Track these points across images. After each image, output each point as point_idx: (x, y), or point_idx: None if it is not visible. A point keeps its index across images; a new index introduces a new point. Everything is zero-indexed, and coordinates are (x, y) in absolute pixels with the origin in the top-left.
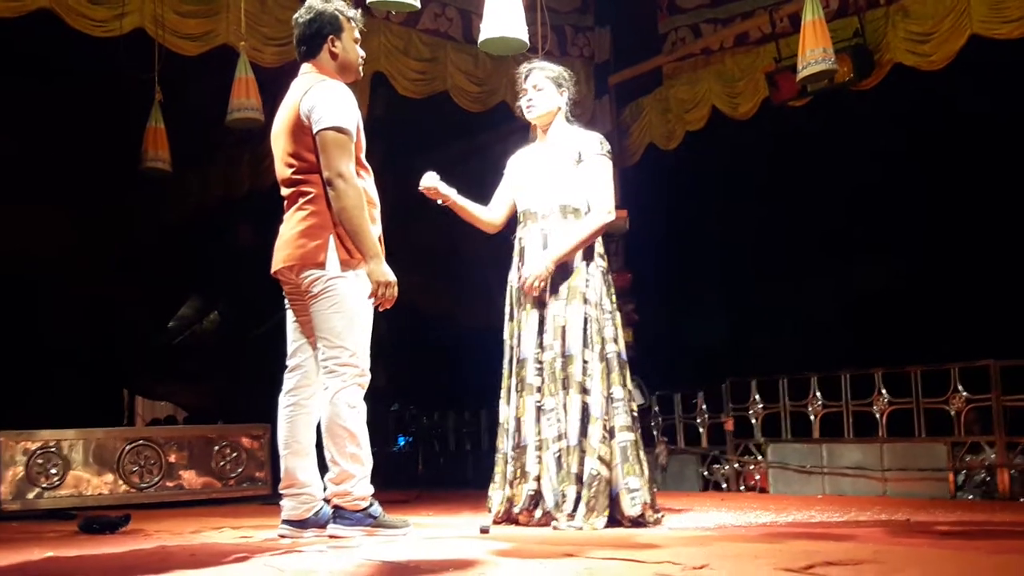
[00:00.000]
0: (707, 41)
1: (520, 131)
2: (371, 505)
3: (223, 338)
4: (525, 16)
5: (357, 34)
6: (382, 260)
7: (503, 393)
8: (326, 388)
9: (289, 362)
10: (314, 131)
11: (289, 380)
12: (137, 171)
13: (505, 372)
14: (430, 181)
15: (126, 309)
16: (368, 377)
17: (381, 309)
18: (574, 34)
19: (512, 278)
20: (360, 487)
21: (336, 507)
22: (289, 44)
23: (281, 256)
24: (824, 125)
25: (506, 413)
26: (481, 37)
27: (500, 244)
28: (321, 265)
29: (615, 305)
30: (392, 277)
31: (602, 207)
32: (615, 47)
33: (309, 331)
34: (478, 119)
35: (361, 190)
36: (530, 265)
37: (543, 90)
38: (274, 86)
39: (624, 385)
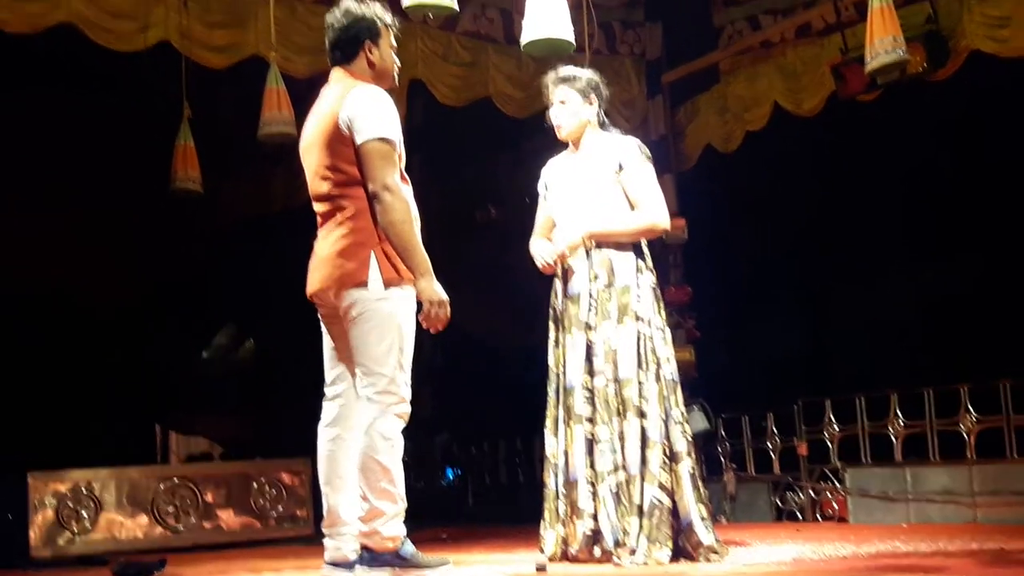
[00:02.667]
0: (766, 33)
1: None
2: (402, 545)
3: (260, 367)
4: (570, 14)
5: (394, 41)
6: (433, 277)
7: (549, 424)
8: (363, 416)
9: (328, 391)
10: (357, 142)
11: (328, 410)
12: (167, 191)
13: (551, 402)
14: (551, 255)
15: (158, 339)
16: (408, 407)
17: (432, 331)
18: (623, 31)
19: (556, 303)
20: (390, 527)
21: (364, 547)
22: (322, 53)
23: (318, 277)
24: (896, 119)
25: (553, 446)
26: (524, 38)
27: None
28: (362, 285)
29: (667, 323)
30: (444, 296)
31: (653, 210)
32: (667, 43)
33: (348, 357)
34: (523, 125)
35: (408, 203)
36: (561, 235)
37: (568, 103)
38: (307, 97)
39: (679, 407)
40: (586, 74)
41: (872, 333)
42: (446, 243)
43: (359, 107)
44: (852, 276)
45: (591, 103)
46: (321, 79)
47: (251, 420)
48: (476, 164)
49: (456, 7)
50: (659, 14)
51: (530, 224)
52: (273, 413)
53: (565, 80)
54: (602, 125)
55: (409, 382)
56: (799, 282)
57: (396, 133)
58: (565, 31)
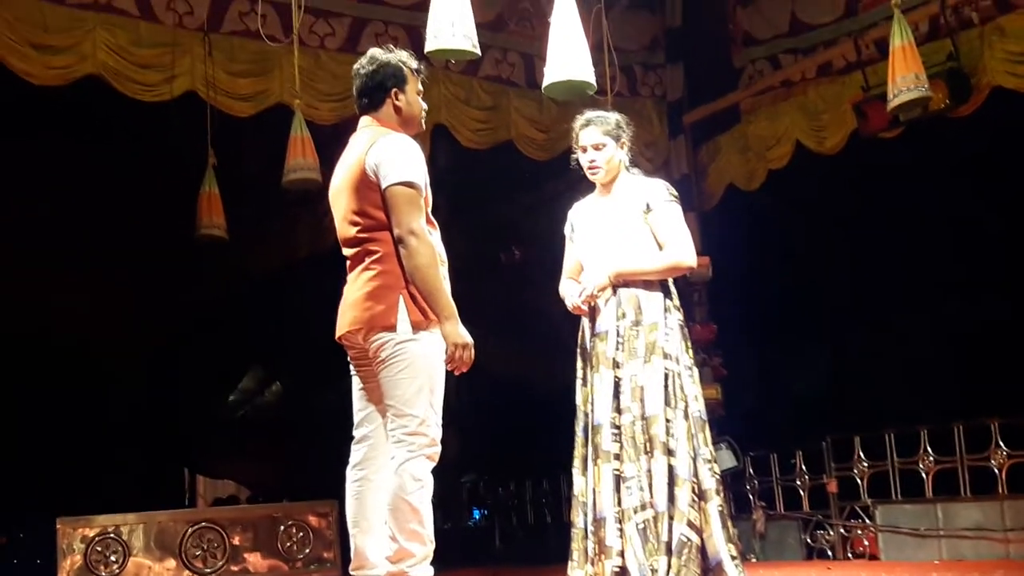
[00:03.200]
0: (787, 73)
1: (589, 180)
2: None
3: (287, 410)
4: (591, 56)
5: (420, 86)
6: (458, 320)
7: (577, 463)
8: (392, 458)
9: (356, 432)
10: (382, 187)
11: (356, 452)
12: (193, 238)
13: (579, 440)
14: (580, 297)
15: (186, 383)
16: (438, 448)
17: (457, 373)
18: (644, 73)
19: (584, 341)
20: (418, 569)
21: None
22: (346, 99)
23: (347, 320)
24: (919, 156)
25: (581, 485)
26: (545, 82)
27: None
28: (391, 328)
29: (694, 361)
30: (469, 339)
31: (679, 248)
32: (688, 84)
33: (377, 398)
34: (545, 167)
35: (434, 247)
36: (589, 276)
37: (604, 148)
38: (331, 144)
39: (707, 445)
40: (615, 116)
41: (900, 369)
42: (471, 284)
43: (385, 153)
44: (878, 312)
45: (622, 146)
46: (345, 125)
47: (278, 463)
48: (499, 206)
49: (479, 52)
50: (680, 56)
51: (552, 265)
52: (300, 456)
53: (598, 124)
54: (627, 167)
55: (440, 423)
56: (825, 318)
57: (422, 177)
58: (586, 73)
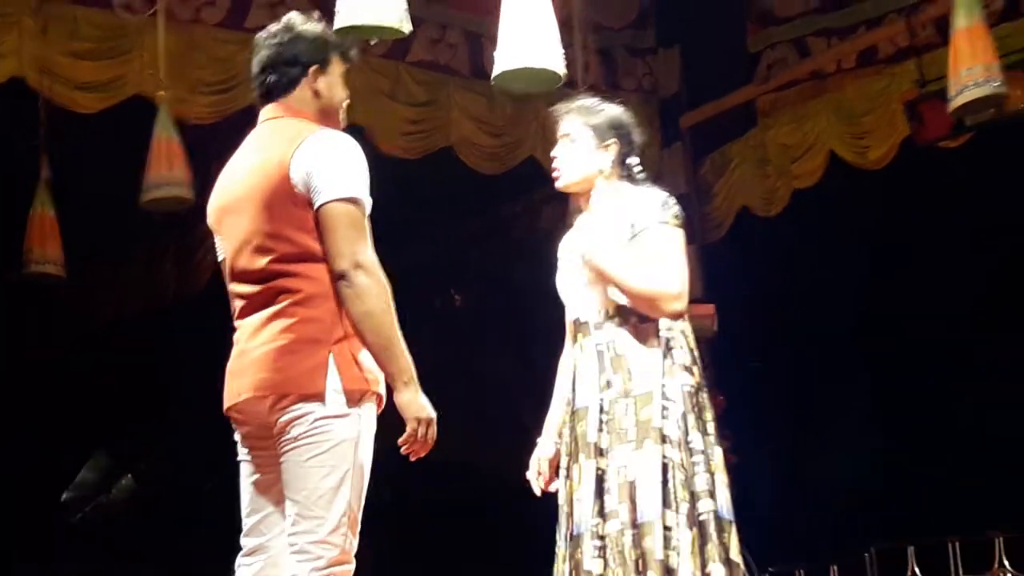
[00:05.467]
0: (818, 61)
1: (559, 198)
2: None
3: (140, 511)
4: (558, 37)
5: (344, 71)
6: (419, 388)
7: None
8: None
9: (245, 542)
10: (316, 203)
11: (248, 567)
12: (17, 276)
13: (559, 554)
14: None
15: (4, 474)
16: (351, 566)
17: (413, 457)
18: (628, 58)
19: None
20: None
21: None
22: (229, 90)
23: (247, 383)
24: (990, 173)
25: None
26: (496, 69)
27: (536, 366)
28: (316, 397)
29: (712, 438)
30: (432, 412)
31: (665, 277)
32: (687, 75)
33: (278, 495)
34: (497, 184)
35: (388, 287)
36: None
37: (575, 142)
38: (207, 151)
39: (727, 560)
40: (611, 111)
41: (970, 455)
42: None
43: (320, 157)
44: (943, 378)
45: (606, 148)
46: (227, 126)
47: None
48: (434, 236)
49: (408, 29)
50: (676, 37)
51: (506, 315)
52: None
53: (580, 111)
54: (631, 178)
55: (357, 532)
56: (869, 386)
57: (367, 193)
58: (550, 59)
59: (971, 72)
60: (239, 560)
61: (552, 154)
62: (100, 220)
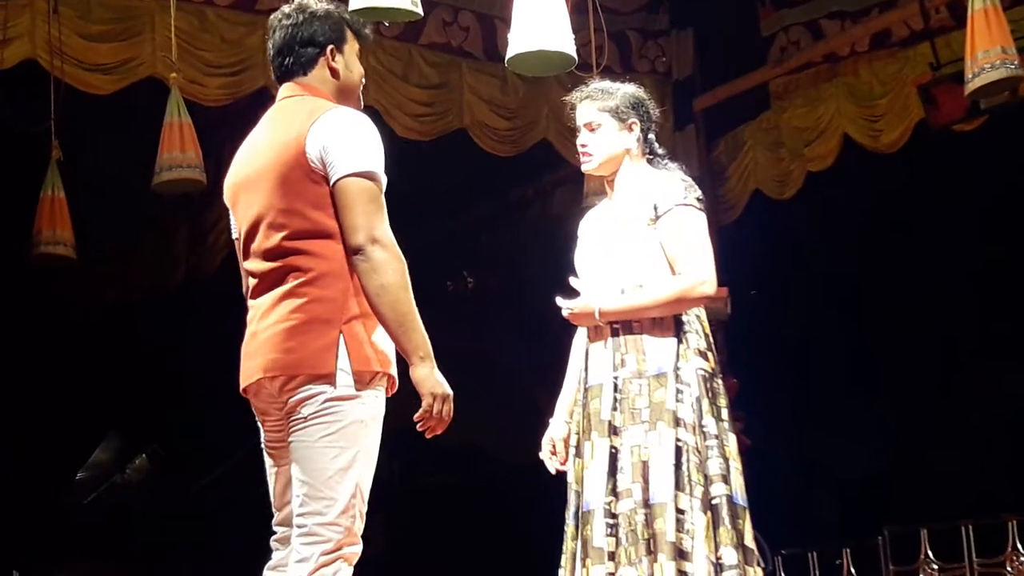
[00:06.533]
0: (831, 44)
1: (570, 181)
2: None
3: (156, 493)
4: (571, 20)
5: (359, 50)
6: (434, 363)
7: (564, 561)
8: (300, 559)
9: (277, 528)
10: (332, 179)
11: (278, 551)
12: (28, 258)
13: (568, 531)
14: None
15: (13, 456)
16: (359, 548)
17: (430, 435)
18: (641, 42)
19: (576, 396)
20: None
21: None
22: (241, 72)
23: (259, 364)
24: (1006, 156)
25: None
26: (509, 52)
27: (548, 349)
28: (326, 378)
29: (726, 424)
30: (448, 388)
31: (694, 272)
32: (701, 58)
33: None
34: (510, 166)
35: (404, 262)
36: (580, 298)
37: (599, 128)
38: (219, 133)
39: (740, 544)
40: (626, 90)
41: (983, 439)
42: None
43: (335, 132)
44: (957, 363)
45: (630, 129)
46: (238, 108)
47: (142, 568)
48: (447, 218)
49: (420, 12)
50: (689, 20)
51: (519, 298)
52: (175, 557)
53: (596, 97)
54: (651, 159)
55: (364, 513)
56: (884, 370)
57: (383, 168)
58: (563, 42)
59: (987, 54)
60: (273, 542)
61: (580, 142)
62: (112, 202)
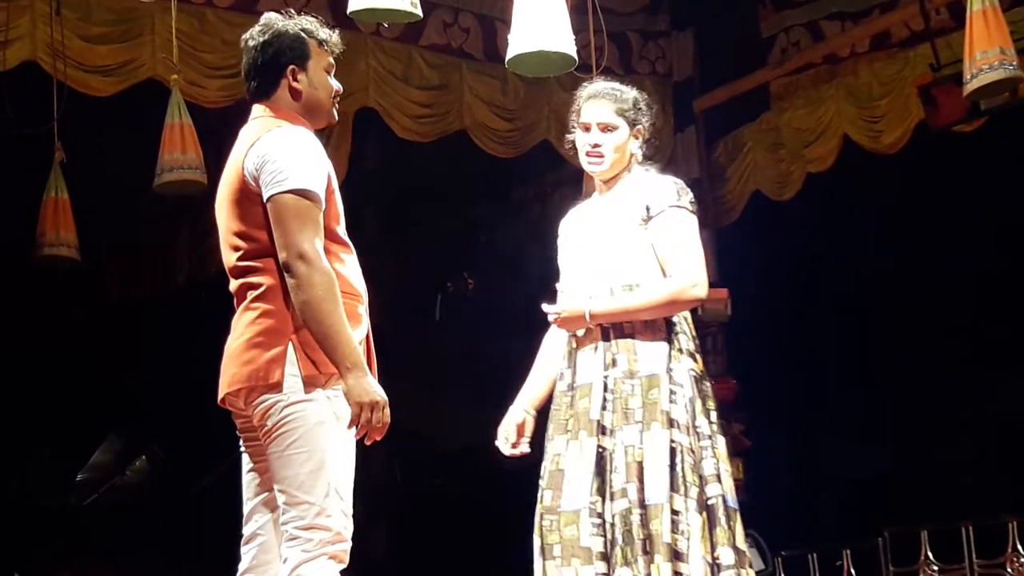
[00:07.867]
0: (832, 45)
1: (570, 182)
2: None
3: (155, 494)
4: (571, 21)
5: (331, 61)
6: (365, 372)
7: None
8: (284, 561)
9: (245, 529)
10: (264, 197)
11: (246, 555)
12: (32, 260)
13: (536, 524)
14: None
15: (15, 458)
16: (346, 545)
17: (368, 441)
18: (642, 43)
19: (558, 395)
20: None
21: None
22: (240, 74)
23: (227, 379)
24: (1006, 156)
25: None
26: (510, 53)
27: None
28: (275, 387)
29: (716, 427)
30: (379, 395)
31: (684, 274)
32: (701, 59)
33: (266, 483)
34: (510, 168)
35: (332, 275)
36: (567, 295)
37: (615, 132)
38: (220, 135)
39: (734, 544)
40: (636, 95)
41: (983, 439)
42: (409, 325)
43: (268, 151)
44: (957, 365)
45: (637, 135)
46: (240, 109)
47: (142, 568)
48: (447, 220)
49: (419, 13)
50: (689, 21)
51: (520, 299)
52: (174, 557)
53: (611, 98)
54: (640, 163)
55: (348, 511)
56: (882, 372)
57: (320, 183)
58: (564, 43)
59: (986, 55)
60: (242, 548)
61: (594, 141)
62: (114, 204)
